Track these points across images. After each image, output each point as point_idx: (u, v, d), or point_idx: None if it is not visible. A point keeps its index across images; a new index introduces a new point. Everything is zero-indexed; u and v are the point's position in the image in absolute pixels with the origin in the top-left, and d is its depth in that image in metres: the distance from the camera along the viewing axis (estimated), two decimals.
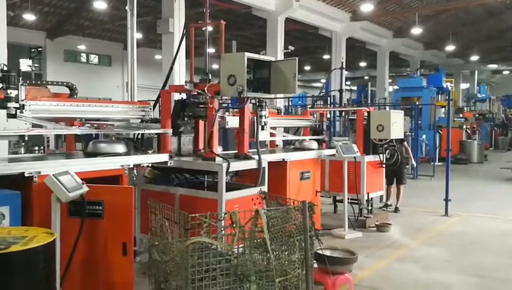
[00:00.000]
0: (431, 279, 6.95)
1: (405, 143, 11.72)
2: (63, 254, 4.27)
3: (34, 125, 5.33)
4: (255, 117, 7.17)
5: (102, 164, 5.51)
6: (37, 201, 4.62)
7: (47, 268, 3.62)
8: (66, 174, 4.35)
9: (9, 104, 4.93)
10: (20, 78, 5.00)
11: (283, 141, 11.21)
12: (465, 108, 34.96)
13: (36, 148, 10.18)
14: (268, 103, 10.94)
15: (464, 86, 43.07)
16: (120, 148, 5.99)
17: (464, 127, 26.13)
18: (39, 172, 4.71)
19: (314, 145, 9.48)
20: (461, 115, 29.49)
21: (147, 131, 6.58)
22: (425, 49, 34.76)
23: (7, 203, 4.28)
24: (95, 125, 6.03)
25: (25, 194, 4.54)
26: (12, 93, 4.94)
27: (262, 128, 7.94)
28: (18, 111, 5.02)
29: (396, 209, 11.43)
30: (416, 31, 26.26)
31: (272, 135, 8.98)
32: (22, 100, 5.06)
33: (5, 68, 5.00)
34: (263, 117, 7.99)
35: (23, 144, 6.82)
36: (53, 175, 4.24)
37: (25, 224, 4.35)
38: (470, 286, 6.73)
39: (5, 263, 3.31)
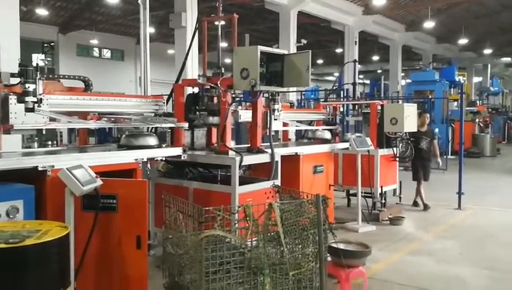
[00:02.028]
0: (444, 272, 6.93)
1: (435, 141, 11.67)
2: (77, 248, 4.28)
3: (51, 119, 5.34)
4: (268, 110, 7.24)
5: (116, 157, 5.52)
6: (51, 195, 4.62)
7: (61, 261, 3.63)
8: (80, 168, 4.35)
9: (28, 98, 4.93)
10: (38, 73, 5.01)
11: (296, 134, 11.19)
12: (478, 101, 34.67)
13: (49, 142, 10.24)
14: (281, 97, 10.92)
15: (476, 79, 42.72)
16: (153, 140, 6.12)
17: (477, 120, 25.96)
18: (53, 166, 4.72)
19: (328, 135, 9.48)
20: (476, 109, 29.17)
21: (163, 125, 6.58)
22: (437, 43, 34.52)
23: (21, 197, 4.28)
24: (112, 119, 6.04)
25: (39, 188, 4.54)
26: (30, 87, 4.94)
27: (276, 119, 8.09)
28: (36, 105, 5.03)
29: (426, 207, 11.07)
30: (429, 24, 26.09)
31: (284, 124, 8.98)
32: (40, 94, 5.08)
33: (23, 62, 5.02)
34: (276, 111, 8.08)
35: (36, 138, 6.85)
36: (67, 169, 4.24)
37: (39, 218, 4.36)
38: (483, 279, 6.70)
39: (19, 256, 3.32)
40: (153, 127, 6.77)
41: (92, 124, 6.00)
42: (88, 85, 6.48)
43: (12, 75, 5.02)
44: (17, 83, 4.98)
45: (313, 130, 9.69)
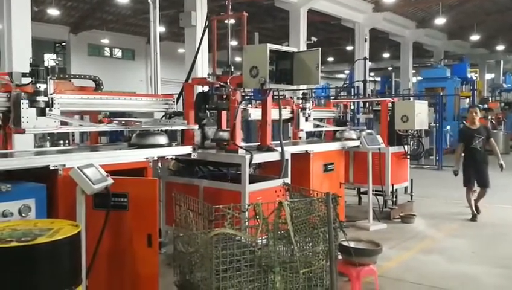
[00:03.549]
0: (456, 270, 6.89)
1: (492, 140, 10.22)
2: (89, 246, 4.30)
3: (63, 123, 5.39)
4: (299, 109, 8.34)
5: (126, 156, 5.54)
6: (62, 193, 4.66)
7: (73, 260, 3.65)
8: (91, 167, 4.38)
9: (39, 98, 4.96)
10: (49, 72, 5.05)
11: (306, 132, 11.22)
12: (490, 98, 34.44)
13: (61, 142, 10.32)
14: (293, 95, 11.00)
15: (489, 76, 42.46)
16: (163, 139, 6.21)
17: (489, 117, 25.77)
18: (64, 165, 4.75)
19: (354, 135, 9.71)
20: (484, 106, 28.96)
21: (174, 127, 6.60)
22: (449, 40, 34.30)
23: (33, 196, 4.32)
24: (123, 122, 6.07)
25: (50, 186, 4.57)
26: (41, 87, 4.97)
27: (306, 120, 8.86)
28: (47, 107, 5.05)
29: (474, 217, 9.94)
30: (440, 21, 25.95)
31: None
32: (51, 94, 5.10)
33: (34, 62, 5.05)
34: (307, 109, 8.25)
35: (48, 138, 6.90)
36: (78, 168, 4.26)
37: (50, 216, 4.38)
38: (496, 278, 6.65)
39: (31, 254, 3.34)
40: None
41: (103, 128, 6.01)
42: (98, 84, 6.50)
43: (24, 75, 5.06)
44: (28, 83, 5.01)
45: (341, 131, 9.87)
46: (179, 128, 6.66)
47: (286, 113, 8.69)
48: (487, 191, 10.11)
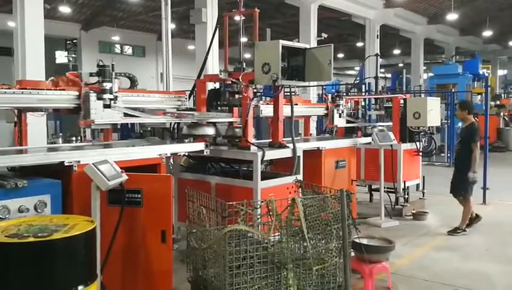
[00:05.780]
0: (469, 268, 6.86)
1: (473, 145, 8.41)
2: (103, 242, 4.33)
3: (126, 115, 5.70)
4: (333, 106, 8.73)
5: (140, 153, 5.56)
6: (77, 190, 4.68)
7: (88, 255, 3.67)
8: (105, 163, 4.39)
9: (105, 96, 5.38)
10: (114, 72, 5.46)
11: (317, 129, 11.27)
12: (503, 95, 34.23)
13: (74, 138, 10.40)
14: (302, 91, 11.02)
15: (501, 72, 42.19)
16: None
17: (502, 114, 25.62)
18: (78, 161, 4.78)
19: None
20: (498, 102, 28.80)
21: (220, 120, 6.66)
22: (460, 36, 34.11)
23: (48, 192, 4.35)
24: (175, 114, 6.31)
25: (65, 182, 4.60)
26: (107, 86, 5.38)
27: (340, 116, 9.20)
28: (112, 102, 5.45)
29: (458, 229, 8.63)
30: (452, 16, 25.81)
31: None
32: (115, 92, 5.48)
33: (101, 64, 5.46)
34: (340, 106, 8.97)
35: (60, 134, 6.97)
36: (93, 164, 4.29)
37: (65, 212, 4.41)
38: (509, 276, 6.61)
39: (47, 249, 3.37)
40: (174, 123, 6.80)
41: (161, 119, 6.26)
42: (133, 82, 6.61)
43: (91, 74, 5.45)
44: (96, 82, 5.39)
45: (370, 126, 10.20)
46: (227, 120, 6.87)
47: (321, 110, 9.20)
48: (468, 200, 8.77)
